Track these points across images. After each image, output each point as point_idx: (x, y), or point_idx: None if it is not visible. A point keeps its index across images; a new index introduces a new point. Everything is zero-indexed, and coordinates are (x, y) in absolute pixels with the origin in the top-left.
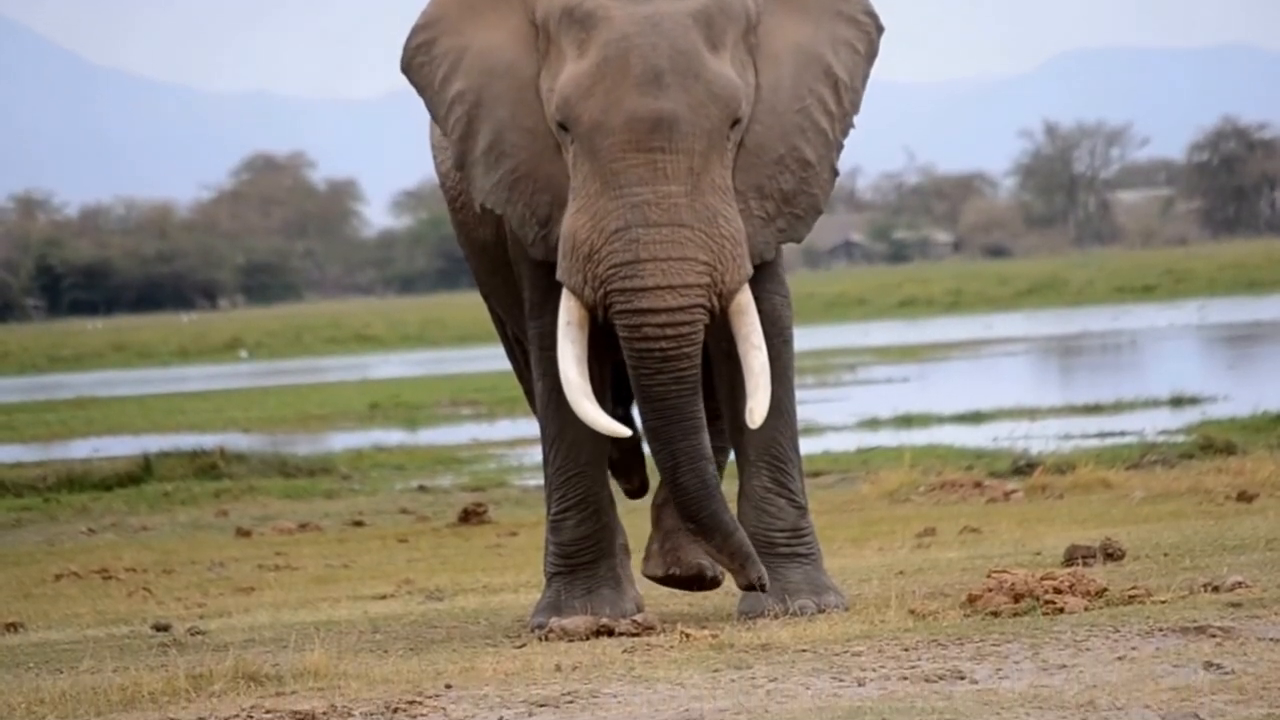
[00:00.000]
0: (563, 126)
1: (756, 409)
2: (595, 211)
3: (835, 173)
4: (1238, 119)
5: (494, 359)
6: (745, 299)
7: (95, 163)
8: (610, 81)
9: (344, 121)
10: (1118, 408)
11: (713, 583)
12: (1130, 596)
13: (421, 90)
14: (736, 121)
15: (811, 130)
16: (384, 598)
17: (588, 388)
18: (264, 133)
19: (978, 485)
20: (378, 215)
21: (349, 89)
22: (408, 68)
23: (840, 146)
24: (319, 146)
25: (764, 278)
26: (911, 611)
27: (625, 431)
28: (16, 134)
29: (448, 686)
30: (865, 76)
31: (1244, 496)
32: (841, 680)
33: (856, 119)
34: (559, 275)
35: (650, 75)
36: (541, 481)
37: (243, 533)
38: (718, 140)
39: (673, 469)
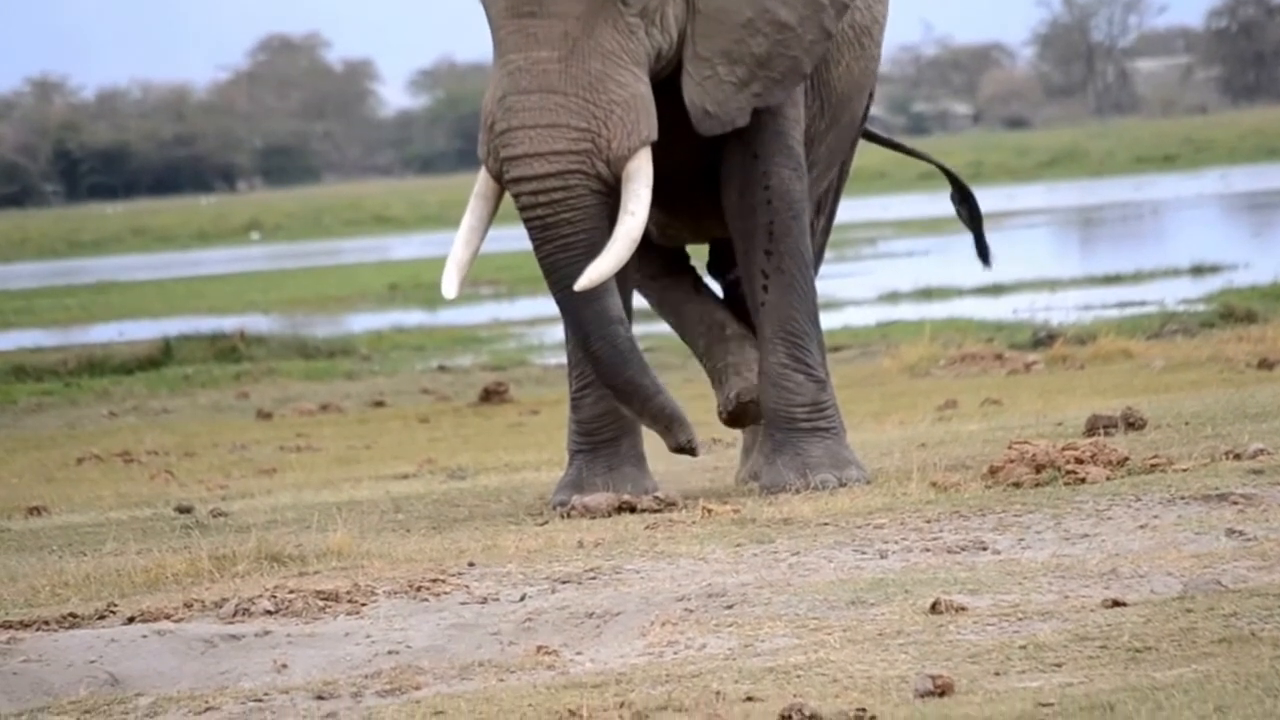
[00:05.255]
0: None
1: (590, 272)
2: (494, 80)
3: (826, 33)
4: None
5: (513, 239)
6: (635, 166)
7: (111, 43)
8: None
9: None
10: (1138, 278)
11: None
12: (1152, 465)
13: None
14: None
15: None
16: (406, 477)
17: (463, 259)
18: (280, 11)
19: (998, 357)
20: (395, 95)
21: None
22: None
23: (842, 6)
24: (334, 25)
25: (773, 150)
26: (933, 484)
27: (452, 293)
28: (32, 15)
29: (471, 564)
30: None
31: (1265, 364)
32: (864, 553)
33: None
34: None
35: None
36: (563, 359)
37: (263, 415)
38: (603, 4)
39: (584, 339)
